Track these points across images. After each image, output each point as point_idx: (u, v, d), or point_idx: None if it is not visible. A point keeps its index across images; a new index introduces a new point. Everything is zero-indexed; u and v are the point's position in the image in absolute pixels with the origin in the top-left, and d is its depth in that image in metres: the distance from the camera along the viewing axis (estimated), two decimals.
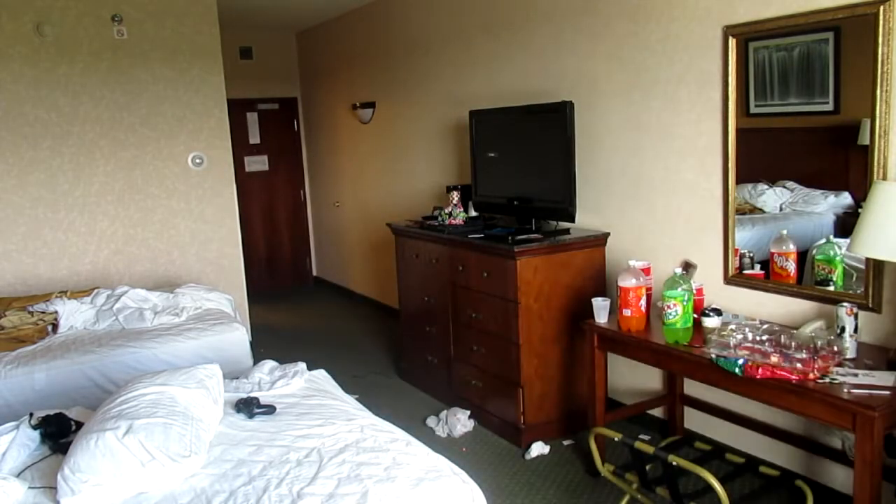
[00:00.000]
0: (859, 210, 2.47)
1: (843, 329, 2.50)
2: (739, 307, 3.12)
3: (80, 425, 2.46)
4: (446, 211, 4.30)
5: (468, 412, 3.97)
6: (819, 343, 2.48)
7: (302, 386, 2.99)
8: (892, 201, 2.28)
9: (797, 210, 2.94)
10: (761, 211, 3.10)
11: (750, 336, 2.61)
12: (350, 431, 2.47)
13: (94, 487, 2.04)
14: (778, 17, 2.81)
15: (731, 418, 3.26)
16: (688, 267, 3.15)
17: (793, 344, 2.50)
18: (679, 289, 2.76)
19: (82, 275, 4.95)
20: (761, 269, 3.06)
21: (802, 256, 2.88)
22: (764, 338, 2.59)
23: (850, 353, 2.48)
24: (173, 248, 5.27)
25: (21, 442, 2.42)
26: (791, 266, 2.90)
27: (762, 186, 3.07)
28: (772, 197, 3.05)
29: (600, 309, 3.19)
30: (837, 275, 2.73)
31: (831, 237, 2.76)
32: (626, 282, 3.00)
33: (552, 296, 3.63)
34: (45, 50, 4.70)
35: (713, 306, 2.91)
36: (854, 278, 2.71)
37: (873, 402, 2.14)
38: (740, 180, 3.09)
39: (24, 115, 4.68)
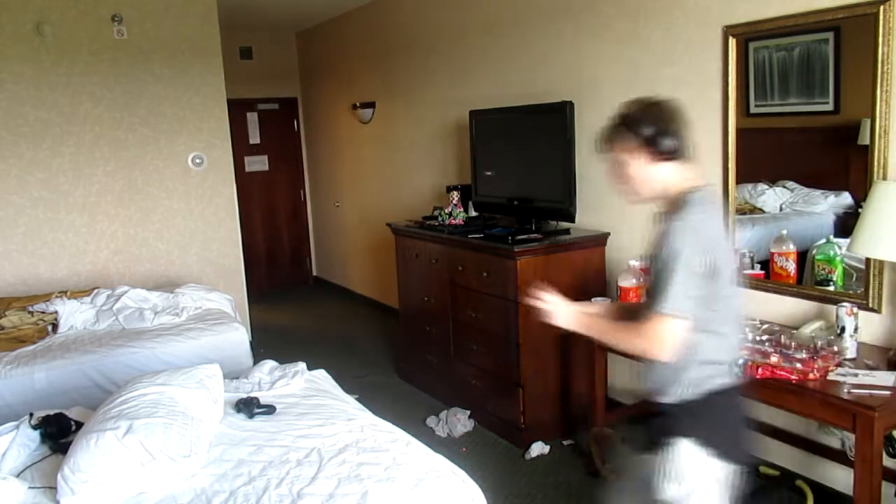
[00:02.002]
0: (859, 210, 2.47)
1: (843, 329, 2.50)
2: None
3: (80, 425, 2.46)
4: (446, 211, 4.30)
5: (468, 412, 3.97)
6: (819, 343, 2.48)
7: (302, 386, 2.99)
8: (892, 201, 2.28)
9: (797, 210, 2.94)
10: (761, 211, 3.09)
11: (750, 336, 2.61)
12: (350, 431, 2.47)
13: (94, 487, 2.04)
14: (778, 17, 2.81)
15: None
16: None
17: (793, 344, 2.50)
18: None
19: (82, 275, 4.95)
20: (761, 269, 3.06)
21: (802, 256, 2.88)
22: (764, 338, 2.59)
23: (850, 353, 2.48)
24: (173, 248, 5.27)
25: (21, 442, 2.42)
26: (791, 266, 2.90)
27: (762, 186, 3.07)
28: (772, 197, 3.05)
29: None
30: (837, 275, 2.73)
31: (831, 237, 2.75)
32: (626, 282, 3.00)
33: None
34: (45, 50, 4.70)
35: None
36: (854, 278, 2.71)
37: (873, 402, 2.14)
38: (740, 180, 3.09)
39: (24, 115, 4.68)
